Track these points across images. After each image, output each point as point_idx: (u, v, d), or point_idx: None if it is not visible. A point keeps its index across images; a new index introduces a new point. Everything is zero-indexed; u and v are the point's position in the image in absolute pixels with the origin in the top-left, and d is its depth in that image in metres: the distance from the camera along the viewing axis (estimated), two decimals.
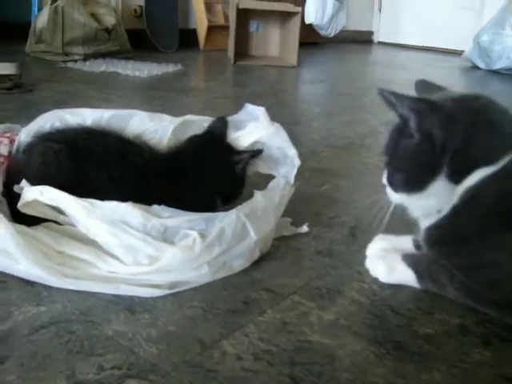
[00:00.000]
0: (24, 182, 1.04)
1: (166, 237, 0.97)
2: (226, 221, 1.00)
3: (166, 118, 1.31)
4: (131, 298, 0.94)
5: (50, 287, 0.95)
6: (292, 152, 1.27)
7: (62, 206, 0.98)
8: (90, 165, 1.08)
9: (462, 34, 5.48)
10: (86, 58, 3.62)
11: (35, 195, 0.99)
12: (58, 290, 0.94)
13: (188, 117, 1.33)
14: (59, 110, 1.29)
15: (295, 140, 1.35)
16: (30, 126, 1.26)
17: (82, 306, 0.92)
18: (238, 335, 0.87)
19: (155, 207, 1.00)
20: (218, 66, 4.23)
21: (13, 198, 1.09)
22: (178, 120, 1.30)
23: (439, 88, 1.04)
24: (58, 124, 1.25)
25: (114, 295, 0.94)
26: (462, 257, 0.94)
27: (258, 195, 1.09)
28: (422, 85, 1.07)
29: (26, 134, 1.25)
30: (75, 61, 3.56)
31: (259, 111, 1.35)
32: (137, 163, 1.12)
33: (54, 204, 0.99)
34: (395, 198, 0.99)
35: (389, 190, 1.01)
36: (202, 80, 3.77)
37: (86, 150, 1.10)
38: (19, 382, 0.74)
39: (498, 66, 4.49)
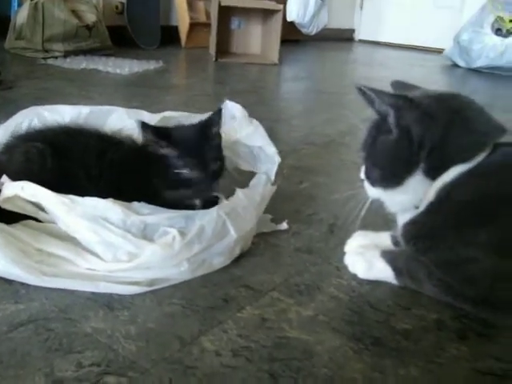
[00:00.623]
0: (4, 178, 1.03)
1: (146, 234, 0.97)
2: (206, 219, 1.00)
3: (145, 114, 1.31)
4: (110, 295, 0.94)
5: (28, 285, 0.94)
6: (271, 150, 1.27)
7: (43, 202, 0.98)
8: (69, 163, 1.08)
9: (442, 33, 5.53)
10: (66, 54, 3.60)
11: (16, 190, 0.99)
12: (36, 287, 0.94)
13: (167, 113, 1.33)
14: (37, 107, 1.28)
15: (276, 137, 1.36)
16: (8, 122, 1.26)
17: (60, 304, 0.91)
18: (217, 331, 0.87)
19: (135, 204, 1.00)
20: (199, 63, 4.23)
21: None
22: (157, 117, 1.30)
23: (415, 87, 1.06)
24: (35, 121, 1.25)
25: (92, 292, 0.94)
26: (439, 253, 0.95)
27: (239, 193, 1.09)
28: (398, 85, 1.08)
29: (3, 131, 1.24)
30: (55, 57, 3.53)
31: (237, 109, 1.35)
32: (114, 160, 1.11)
33: (34, 200, 0.99)
34: (373, 192, 1.00)
35: (366, 185, 1.02)
36: (183, 77, 3.76)
37: (65, 149, 1.10)
38: None
39: (477, 64, 4.53)
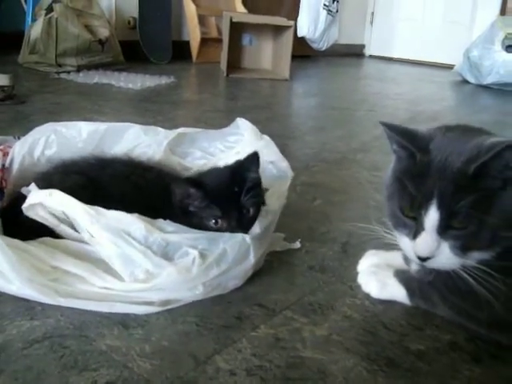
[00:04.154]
0: (32, 185, 1.04)
1: (167, 252, 0.96)
2: (230, 242, 0.99)
3: (161, 131, 1.32)
4: (125, 313, 0.94)
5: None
6: (284, 165, 1.28)
7: (68, 211, 0.99)
8: (101, 192, 1.10)
9: (452, 49, 5.55)
10: (79, 69, 3.63)
11: (43, 197, 0.99)
12: (52, 304, 0.94)
13: (182, 130, 1.34)
14: (54, 124, 1.30)
15: (288, 154, 1.36)
16: (25, 138, 1.27)
17: (75, 321, 0.92)
18: (232, 350, 0.87)
19: (160, 221, 0.99)
20: (210, 78, 4.25)
21: (7, 212, 1.10)
22: (173, 134, 1.31)
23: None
24: (52, 137, 1.26)
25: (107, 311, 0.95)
26: (454, 280, 0.95)
27: (263, 212, 1.09)
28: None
29: (20, 147, 1.25)
30: (68, 72, 3.57)
31: (248, 126, 1.36)
32: (139, 183, 1.13)
33: (60, 207, 0.99)
34: (451, 262, 0.90)
35: (443, 257, 0.90)
36: (194, 92, 3.78)
37: (97, 179, 1.13)
38: None
39: (487, 80, 4.53)
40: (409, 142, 0.91)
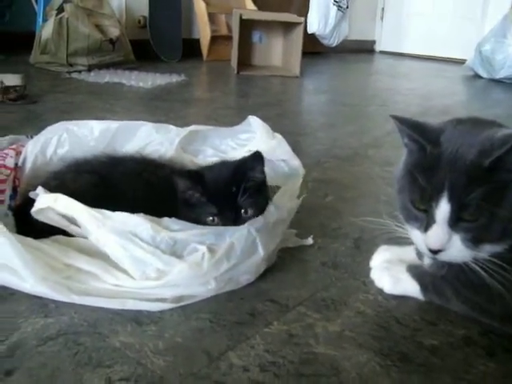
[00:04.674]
0: (40, 189, 1.05)
1: (176, 250, 0.97)
2: (236, 235, 0.99)
3: (173, 129, 1.33)
4: (138, 310, 0.95)
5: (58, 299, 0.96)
6: (296, 163, 1.28)
7: (74, 215, 0.99)
8: (113, 190, 1.11)
9: (463, 43, 5.52)
10: (90, 68, 3.65)
11: (49, 202, 1.00)
12: (66, 302, 0.95)
13: (193, 127, 1.35)
14: (66, 122, 1.31)
15: (300, 151, 1.36)
16: (37, 137, 1.28)
17: (89, 318, 0.92)
18: (245, 347, 0.88)
19: (165, 219, 1.00)
20: (221, 76, 4.25)
21: (20, 211, 1.11)
22: (184, 132, 1.31)
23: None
24: (65, 136, 1.27)
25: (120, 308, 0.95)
26: (465, 273, 0.94)
27: (271, 207, 1.08)
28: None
29: (32, 146, 1.26)
30: (79, 72, 3.58)
31: (260, 124, 1.36)
32: (151, 181, 1.14)
33: (66, 212, 1.00)
34: (462, 255, 0.90)
35: (456, 249, 0.89)
36: (205, 90, 3.78)
37: (109, 177, 1.14)
38: None
39: (500, 75, 4.50)
40: (419, 134, 0.91)
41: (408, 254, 1.11)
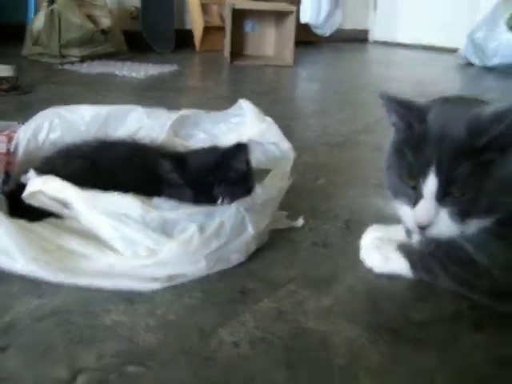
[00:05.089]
0: (31, 172, 1.06)
1: (166, 229, 0.98)
2: (225, 215, 1.01)
3: (164, 113, 1.34)
4: (130, 289, 0.96)
5: (51, 282, 0.96)
6: (286, 146, 1.29)
7: (65, 197, 1.00)
8: (104, 175, 1.12)
9: (456, 32, 5.51)
10: (82, 59, 3.63)
11: (41, 185, 1.01)
12: (58, 283, 0.96)
13: (184, 111, 1.35)
14: (57, 108, 1.31)
15: (291, 136, 1.37)
16: (28, 123, 1.29)
17: (81, 299, 0.93)
18: (235, 324, 0.89)
19: (155, 199, 1.01)
20: (214, 66, 4.25)
21: (13, 196, 1.11)
22: (175, 116, 1.32)
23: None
24: (56, 121, 1.27)
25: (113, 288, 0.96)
26: (454, 249, 0.95)
27: (258, 189, 1.10)
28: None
29: (24, 132, 1.27)
30: (72, 63, 3.57)
31: (250, 107, 1.37)
32: (142, 165, 1.15)
33: (57, 194, 1.01)
34: (451, 230, 0.91)
35: (444, 224, 0.91)
36: (198, 80, 3.78)
37: (100, 162, 1.15)
38: (22, 369, 0.76)
39: (492, 62, 4.51)
40: (407, 112, 0.92)
41: (397, 233, 1.12)
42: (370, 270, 1.07)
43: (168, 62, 3.79)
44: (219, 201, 1.07)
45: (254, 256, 1.09)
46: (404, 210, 0.95)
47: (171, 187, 1.08)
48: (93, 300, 0.93)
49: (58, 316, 0.89)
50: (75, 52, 3.64)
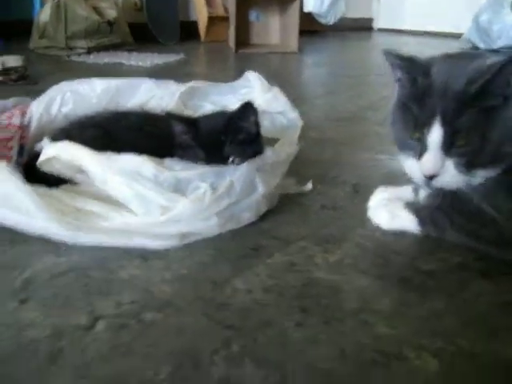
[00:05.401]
0: (45, 140, 1.08)
1: (178, 188, 1.01)
2: (236, 174, 1.03)
3: (173, 84, 1.36)
4: (144, 248, 0.98)
5: (68, 242, 0.99)
6: (293, 114, 1.31)
7: (80, 160, 1.03)
8: (117, 143, 1.13)
9: (461, 17, 5.50)
10: (89, 51, 3.67)
11: (55, 150, 1.04)
12: (75, 244, 0.98)
13: (193, 83, 1.37)
14: (68, 82, 1.34)
15: (299, 114, 1.39)
16: (42, 97, 1.31)
17: (97, 256, 0.96)
18: (248, 274, 0.91)
19: (167, 161, 1.04)
20: (219, 55, 4.27)
21: (28, 167, 1.14)
22: (184, 87, 1.34)
23: None
24: (68, 94, 1.30)
25: (127, 246, 0.98)
26: (461, 201, 0.97)
27: (268, 151, 1.13)
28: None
29: (37, 106, 1.29)
30: (79, 54, 3.60)
31: (257, 78, 1.39)
32: (153, 132, 1.18)
33: (72, 158, 1.03)
34: (456, 180, 0.93)
35: (448, 175, 0.92)
36: (204, 68, 3.81)
37: (113, 131, 1.17)
38: (42, 318, 0.79)
39: (498, 44, 4.50)
40: (411, 66, 0.94)
41: (405, 193, 1.14)
42: (378, 229, 1.09)
43: (174, 52, 3.82)
44: (230, 160, 1.09)
45: (265, 217, 1.12)
46: (410, 164, 0.97)
47: (183, 149, 1.10)
48: (108, 257, 0.96)
49: (75, 272, 0.91)
50: (82, 43, 3.68)
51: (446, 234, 1.02)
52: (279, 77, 3.17)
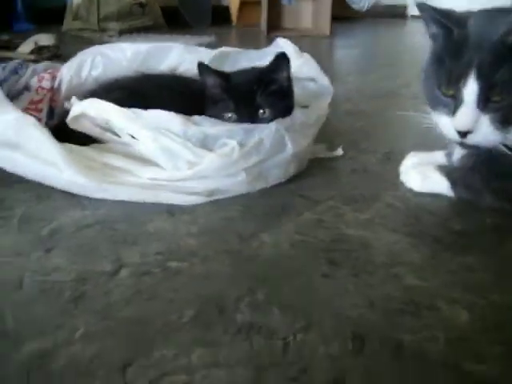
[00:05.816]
0: (73, 98, 1.08)
1: (206, 144, 0.99)
2: (265, 132, 1.01)
3: (203, 50, 1.35)
4: (171, 204, 0.97)
5: (94, 198, 0.99)
6: (324, 81, 1.29)
7: (108, 116, 1.02)
8: (144, 104, 1.12)
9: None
10: (121, 33, 3.67)
11: (83, 107, 1.03)
12: (101, 199, 0.98)
13: (223, 49, 1.36)
14: (98, 46, 1.33)
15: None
16: (72, 61, 1.31)
17: (123, 210, 0.96)
18: (276, 230, 0.90)
19: (196, 117, 1.02)
20: (251, 37, 4.24)
21: (58, 130, 1.14)
22: (213, 52, 1.33)
23: None
24: (98, 58, 1.30)
25: (154, 202, 0.98)
26: (496, 161, 0.94)
27: (297, 112, 1.11)
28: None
29: (67, 69, 1.29)
30: (111, 36, 3.61)
31: (288, 44, 1.37)
32: (184, 92, 1.16)
33: (100, 114, 1.03)
34: (494, 137, 0.89)
35: (486, 130, 0.89)
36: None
37: (139, 92, 1.15)
38: (67, 264, 0.79)
39: None
40: (447, 19, 0.91)
41: (437, 157, 1.11)
42: (409, 191, 1.06)
43: (205, 35, 3.80)
44: (260, 111, 1.07)
45: (294, 179, 1.10)
46: (443, 121, 0.94)
47: (214, 102, 1.09)
48: (135, 211, 0.95)
49: (101, 224, 0.91)
50: (114, 26, 3.68)
51: (480, 196, 0.99)
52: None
